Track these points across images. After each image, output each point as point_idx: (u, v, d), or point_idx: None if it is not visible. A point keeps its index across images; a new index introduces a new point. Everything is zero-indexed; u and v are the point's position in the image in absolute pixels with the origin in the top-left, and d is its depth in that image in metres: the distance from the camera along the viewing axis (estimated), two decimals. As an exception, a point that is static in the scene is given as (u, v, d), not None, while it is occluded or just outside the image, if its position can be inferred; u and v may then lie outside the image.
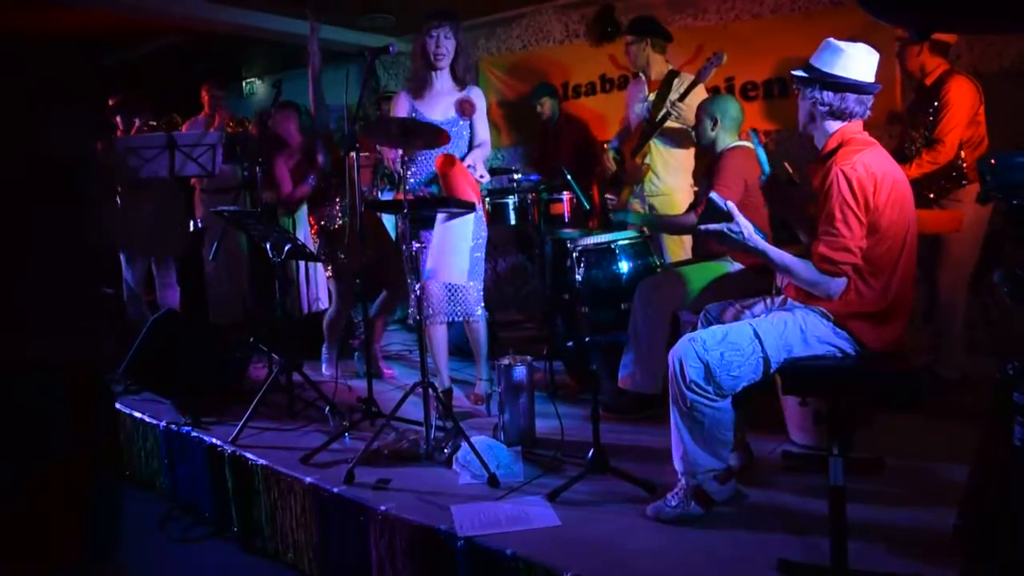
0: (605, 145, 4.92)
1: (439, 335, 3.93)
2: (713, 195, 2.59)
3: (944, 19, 2.43)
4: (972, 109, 3.70)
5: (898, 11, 2.06)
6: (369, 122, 3.75)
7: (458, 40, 3.78)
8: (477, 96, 3.87)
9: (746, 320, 2.60)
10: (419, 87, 3.82)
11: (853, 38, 2.57)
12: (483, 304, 3.89)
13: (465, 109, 3.78)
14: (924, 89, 3.86)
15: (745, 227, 2.52)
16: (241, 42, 7.05)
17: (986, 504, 2.01)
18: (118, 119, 5.60)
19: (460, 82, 3.84)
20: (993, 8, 1.86)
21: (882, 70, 2.60)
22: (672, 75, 4.47)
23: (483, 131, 3.89)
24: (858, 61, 2.50)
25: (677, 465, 2.61)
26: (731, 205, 2.53)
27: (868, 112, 2.57)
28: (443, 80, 3.82)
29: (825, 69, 2.52)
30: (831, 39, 2.54)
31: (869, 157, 2.44)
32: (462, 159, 3.69)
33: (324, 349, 4.84)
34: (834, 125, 2.57)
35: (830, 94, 2.52)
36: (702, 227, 2.61)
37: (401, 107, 3.81)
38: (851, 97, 2.51)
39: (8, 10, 5.92)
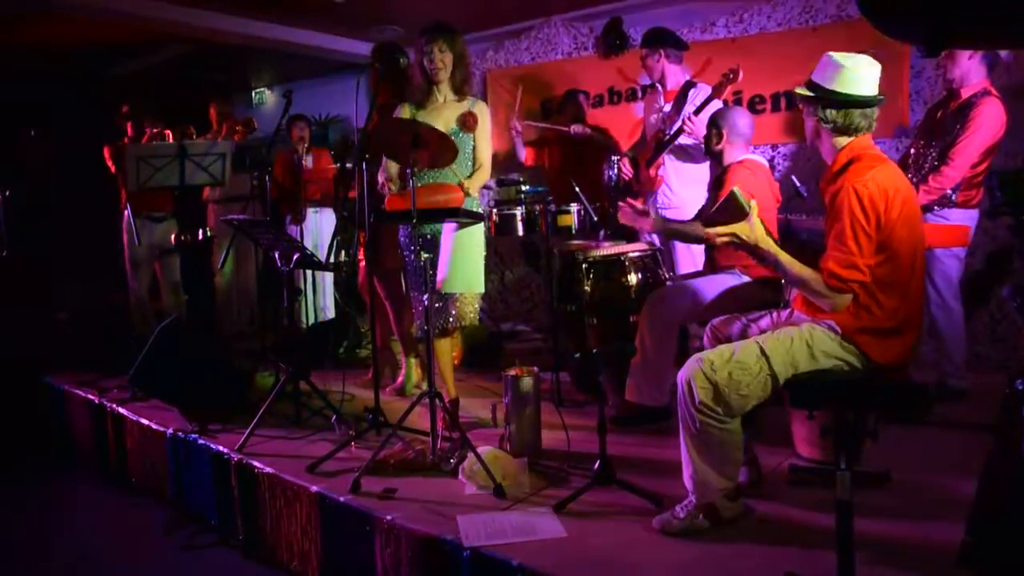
0: (621, 155, 4.93)
1: (443, 346, 3.91)
2: (736, 189, 2.55)
3: (954, 35, 2.43)
4: (995, 138, 3.62)
5: (908, 27, 2.06)
6: (379, 127, 3.72)
7: (455, 52, 3.72)
8: (481, 111, 3.81)
9: (753, 338, 2.60)
10: (421, 99, 3.80)
11: (862, 52, 2.54)
12: (459, 317, 3.77)
13: (467, 123, 3.72)
14: (956, 100, 3.72)
15: (756, 228, 2.52)
16: (250, 52, 7.10)
17: (995, 519, 2.00)
18: (128, 126, 5.64)
19: (460, 92, 3.79)
20: (1004, 24, 1.87)
21: (890, 83, 2.59)
22: (688, 85, 4.47)
23: (484, 151, 3.81)
24: (858, 75, 2.48)
25: (687, 485, 2.60)
26: (753, 204, 2.52)
27: (874, 124, 2.55)
28: (444, 92, 3.79)
29: (826, 85, 2.51)
30: (830, 54, 2.52)
31: (881, 174, 2.43)
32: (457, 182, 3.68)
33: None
34: (842, 141, 2.55)
35: (833, 111, 2.51)
36: (710, 229, 2.58)
37: (403, 116, 3.80)
38: (855, 112, 2.50)
39: (22, 22, 6.01)
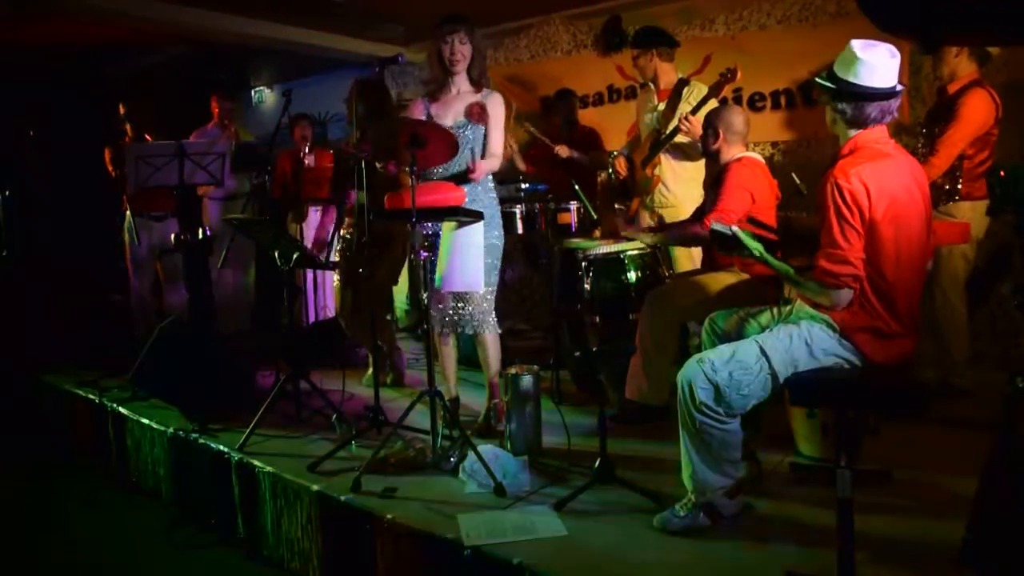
0: (615, 153, 4.92)
1: (447, 349, 3.88)
2: (715, 226, 2.63)
3: (950, 32, 2.43)
4: (982, 127, 3.62)
5: (904, 23, 2.06)
6: (377, 127, 3.70)
7: (473, 44, 3.70)
8: (495, 103, 3.73)
9: (752, 337, 2.59)
10: (436, 91, 3.78)
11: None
12: (494, 315, 3.71)
13: (474, 112, 3.67)
14: (945, 95, 3.77)
15: (755, 248, 2.56)
16: (250, 51, 7.10)
17: (995, 516, 2.00)
18: (128, 127, 5.64)
19: (477, 85, 3.76)
20: (999, 21, 1.87)
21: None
22: (682, 84, 4.45)
23: (495, 143, 3.72)
24: (874, 66, 2.45)
25: (687, 484, 2.61)
26: (735, 230, 2.56)
27: (893, 115, 2.52)
28: (460, 84, 3.74)
29: (842, 76, 2.48)
30: (852, 43, 2.48)
31: (870, 170, 2.41)
32: (465, 169, 3.65)
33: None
34: (852, 132, 2.53)
35: (846, 103, 2.49)
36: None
37: (418, 112, 3.76)
38: (868, 104, 2.48)
39: (22, 21, 6.00)
